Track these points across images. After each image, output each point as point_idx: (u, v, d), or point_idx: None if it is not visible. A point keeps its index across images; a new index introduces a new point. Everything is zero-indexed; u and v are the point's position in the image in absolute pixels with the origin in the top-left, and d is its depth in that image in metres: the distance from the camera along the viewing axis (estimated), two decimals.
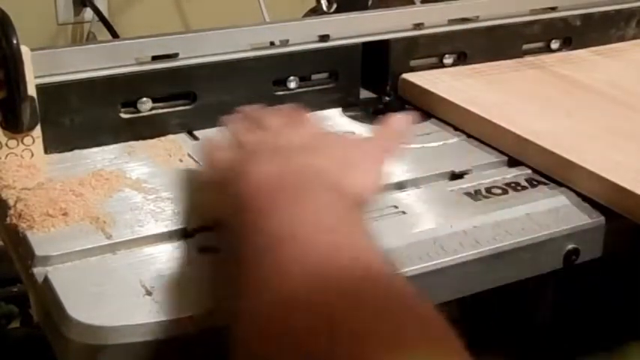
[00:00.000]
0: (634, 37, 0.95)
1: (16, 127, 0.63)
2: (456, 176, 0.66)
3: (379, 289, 0.39)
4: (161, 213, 0.58)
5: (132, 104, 0.70)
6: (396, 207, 0.60)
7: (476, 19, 0.86)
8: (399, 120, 0.55)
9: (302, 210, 0.44)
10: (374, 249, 0.43)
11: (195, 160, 0.67)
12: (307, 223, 0.43)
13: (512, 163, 0.68)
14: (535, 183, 0.64)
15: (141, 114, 0.70)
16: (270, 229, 0.43)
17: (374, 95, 0.83)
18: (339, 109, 0.79)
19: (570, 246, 0.59)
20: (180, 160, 0.67)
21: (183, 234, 0.56)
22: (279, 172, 0.48)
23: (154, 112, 0.71)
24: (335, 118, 0.77)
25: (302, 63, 0.77)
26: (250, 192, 0.47)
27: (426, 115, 0.77)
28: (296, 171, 0.48)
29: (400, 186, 0.64)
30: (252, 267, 0.41)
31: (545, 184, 0.64)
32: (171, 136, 0.71)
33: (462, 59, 0.85)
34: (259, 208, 0.45)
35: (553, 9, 0.90)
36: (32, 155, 0.65)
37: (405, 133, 0.54)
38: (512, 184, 0.64)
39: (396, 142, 0.54)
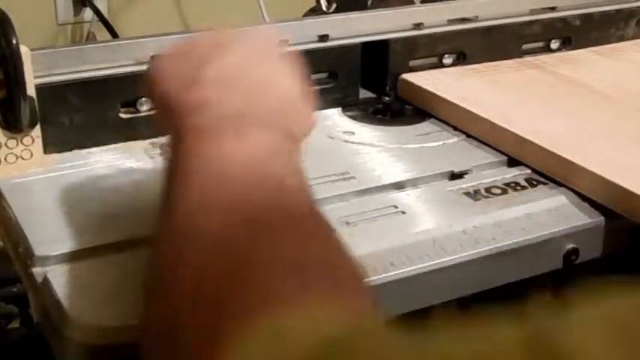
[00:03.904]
0: (634, 37, 0.95)
1: (15, 127, 0.63)
2: (455, 176, 0.66)
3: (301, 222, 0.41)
4: None
5: (131, 104, 0.70)
6: (395, 207, 0.60)
7: (475, 19, 0.86)
8: None
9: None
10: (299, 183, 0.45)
11: None
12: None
13: (512, 163, 0.68)
14: (535, 183, 0.64)
15: (140, 114, 0.70)
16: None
17: (373, 95, 0.83)
18: (339, 109, 0.79)
19: (570, 246, 0.59)
20: None
21: None
22: (241, 68, 0.49)
23: (153, 112, 0.71)
24: (334, 118, 0.77)
25: (301, 63, 0.77)
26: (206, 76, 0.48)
27: (426, 115, 0.77)
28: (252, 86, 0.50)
29: (399, 186, 0.64)
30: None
31: (544, 184, 0.64)
32: None
33: (461, 59, 0.85)
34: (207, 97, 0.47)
35: (552, 9, 0.90)
36: (31, 155, 0.65)
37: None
38: (512, 184, 0.64)
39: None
